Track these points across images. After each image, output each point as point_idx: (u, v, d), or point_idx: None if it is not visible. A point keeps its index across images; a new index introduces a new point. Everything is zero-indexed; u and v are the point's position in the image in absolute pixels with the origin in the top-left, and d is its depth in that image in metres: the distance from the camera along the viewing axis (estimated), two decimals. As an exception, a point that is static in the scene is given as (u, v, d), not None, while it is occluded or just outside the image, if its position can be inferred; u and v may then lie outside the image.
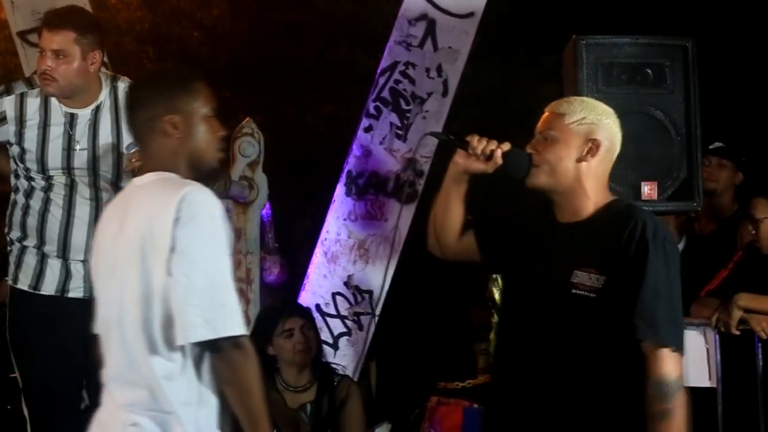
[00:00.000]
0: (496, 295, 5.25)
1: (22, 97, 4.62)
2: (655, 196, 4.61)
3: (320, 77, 11.87)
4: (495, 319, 5.27)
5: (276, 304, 5.52)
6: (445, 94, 6.15)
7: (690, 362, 4.99)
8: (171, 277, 2.96)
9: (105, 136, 4.64)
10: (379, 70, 6.23)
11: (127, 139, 4.59)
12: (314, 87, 11.80)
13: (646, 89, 4.72)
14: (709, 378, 5.10)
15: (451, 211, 3.66)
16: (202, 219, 3.00)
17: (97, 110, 4.64)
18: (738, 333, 5.05)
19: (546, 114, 3.54)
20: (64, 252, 4.60)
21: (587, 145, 3.43)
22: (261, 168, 5.96)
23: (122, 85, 4.69)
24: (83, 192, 4.62)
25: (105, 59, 6.14)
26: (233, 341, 2.98)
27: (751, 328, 5.05)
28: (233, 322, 2.98)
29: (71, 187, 4.61)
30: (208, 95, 3.22)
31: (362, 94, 6.42)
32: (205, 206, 3.02)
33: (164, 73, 3.47)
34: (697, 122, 4.72)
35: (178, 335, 2.98)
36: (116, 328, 3.10)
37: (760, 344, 5.10)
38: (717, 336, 5.11)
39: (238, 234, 5.98)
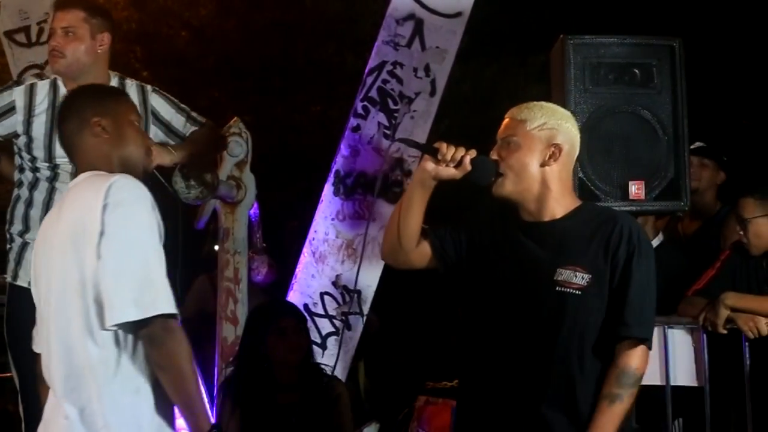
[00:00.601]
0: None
1: (31, 87, 4.72)
2: (642, 196, 4.62)
3: (308, 77, 11.85)
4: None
5: (270, 303, 5.52)
6: (432, 93, 6.14)
7: (678, 362, 5.02)
8: (100, 260, 3.02)
9: None
10: (366, 70, 6.22)
11: None
12: (302, 87, 11.78)
13: (634, 89, 4.74)
14: (697, 377, 5.11)
15: (413, 217, 3.63)
16: (130, 203, 3.09)
17: None
18: (725, 332, 5.06)
19: (506, 120, 3.58)
20: None
21: (549, 150, 3.50)
22: (249, 168, 5.94)
23: (129, 84, 4.81)
24: None
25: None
26: (163, 324, 3.01)
27: (739, 327, 5.05)
28: (163, 302, 3.02)
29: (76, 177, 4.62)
30: (134, 105, 3.48)
31: (350, 94, 6.41)
32: (133, 191, 3.12)
33: (89, 87, 3.67)
34: (684, 122, 4.73)
35: (107, 317, 3.01)
36: (54, 319, 3.15)
37: (747, 343, 5.10)
38: (704, 335, 5.12)
39: (225, 233, 5.96)
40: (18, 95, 4.68)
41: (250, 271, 6.41)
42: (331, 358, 5.96)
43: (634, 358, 3.41)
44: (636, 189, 4.63)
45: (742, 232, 5.26)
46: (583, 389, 3.42)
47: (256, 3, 12.21)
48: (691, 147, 5.75)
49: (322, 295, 6.11)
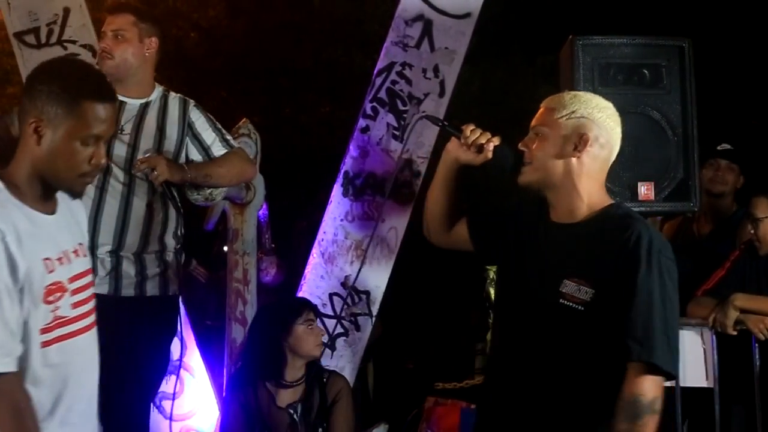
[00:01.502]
0: (492, 296, 5.25)
1: None
2: (652, 197, 4.61)
3: (317, 78, 11.86)
4: (492, 319, 5.25)
5: (291, 298, 5.52)
6: (441, 94, 6.13)
7: (687, 362, 5.00)
8: None
9: (148, 134, 4.73)
10: (375, 71, 6.22)
11: (167, 146, 4.74)
12: (311, 88, 11.79)
13: (643, 89, 4.73)
14: (706, 378, 5.10)
15: (444, 198, 3.61)
16: None
17: (146, 106, 4.77)
18: (735, 333, 5.05)
19: (540, 109, 3.43)
20: (90, 242, 4.62)
21: (575, 140, 3.30)
22: (258, 168, 5.95)
23: (172, 96, 4.86)
24: (115, 185, 4.65)
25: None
26: None
27: (748, 328, 5.05)
28: None
29: (104, 178, 4.64)
30: (98, 120, 2.99)
31: (359, 95, 6.41)
32: None
33: (64, 74, 3.06)
34: (693, 122, 4.73)
35: None
36: None
37: (757, 344, 5.10)
38: (714, 336, 5.12)
39: (234, 234, 5.97)
40: None
41: (258, 272, 6.41)
42: (340, 360, 5.97)
43: (639, 385, 3.08)
44: (645, 190, 4.62)
45: (753, 231, 5.25)
46: (590, 414, 3.18)
47: (264, 4, 12.22)
48: (718, 149, 5.76)
49: (330, 296, 6.11)
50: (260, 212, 6.27)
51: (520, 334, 3.33)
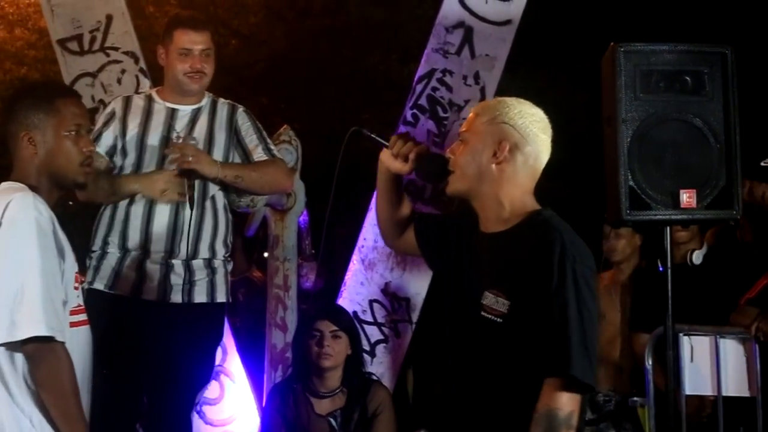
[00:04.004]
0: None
1: (128, 99, 4.91)
2: (694, 205, 4.58)
3: (356, 84, 11.88)
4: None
5: (315, 307, 5.53)
6: (482, 101, 6.13)
7: (730, 372, 4.98)
8: None
9: (198, 139, 4.78)
10: (416, 78, 6.23)
11: (215, 152, 4.75)
12: (350, 94, 11.82)
13: (685, 96, 4.69)
14: (749, 387, 5.07)
15: (386, 206, 3.60)
16: (21, 223, 3.17)
17: (198, 112, 4.83)
18: (778, 342, 5.02)
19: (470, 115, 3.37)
20: (143, 250, 4.65)
21: (495, 147, 3.20)
22: (299, 175, 5.97)
23: (221, 102, 4.94)
24: None
25: (144, 67, 6.23)
26: (39, 344, 3.11)
27: (792, 338, 5.01)
28: (36, 323, 3.10)
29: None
30: (74, 113, 3.42)
31: (398, 101, 6.42)
32: (26, 211, 3.19)
33: (30, 89, 3.64)
34: (736, 130, 4.69)
35: None
36: None
37: (800, 354, 5.07)
38: (757, 345, 5.08)
39: (275, 241, 6.00)
40: (117, 104, 4.87)
41: (299, 278, 6.43)
42: (380, 366, 5.97)
43: (555, 399, 2.99)
44: (687, 197, 4.58)
45: None
46: (514, 427, 3.07)
47: (303, 10, 12.25)
48: (762, 164, 5.71)
49: (371, 302, 6.12)
50: (301, 218, 6.28)
51: (452, 347, 3.31)
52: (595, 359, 3.07)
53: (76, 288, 3.36)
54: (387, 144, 3.49)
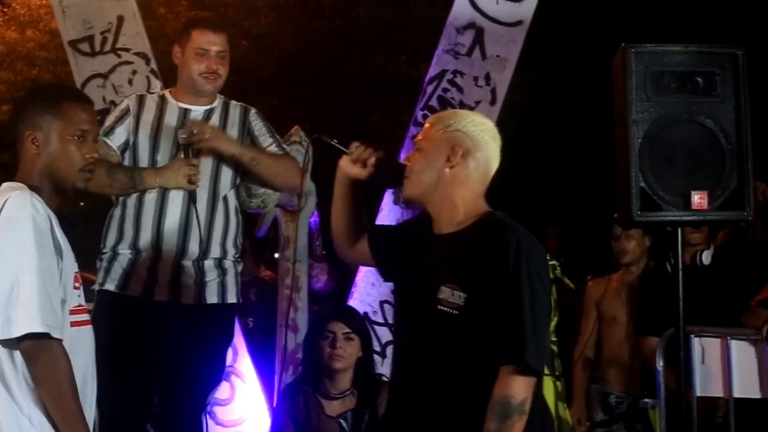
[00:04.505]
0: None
1: (141, 97, 4.92)
2: (705, 206, 4.57)
3: (366, 85, 11.89)
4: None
5: (326, 308, 5.52)
6: (493, 102, 6.14)
7: (740, 373, 4.97)
8: None
9: None
10: (427, 79, 6.23)
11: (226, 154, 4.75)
12: (360, 95, 11.83)
13: (696, 97, 4.68)
14: (761, 389, 5.06)
15: (342, 213, 3.71)
16: (17, 221, 3.18)
17: (210, 112, 4.83)
18: (790, 344, 5.01)
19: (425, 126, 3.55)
20: (154, 251, 4.66)
21: (449, 152, 3.38)
22: (309, 176, 5.98)
23: (233, 104, 4.95)
24: (177, 192, 4.70)
25: (155, 68, 6.24)
26: (35, 341, 3.12)
27: (803, 339, 5.00)
28: (31, 320, 3.10)
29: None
30: (81, 118, 3.41)
31: (406, 102, 6.42)
32: (23, 209, 3.20)
33: (41, 91, 3.70)
34: (747, 131, 4.68)
35: None
36: None
37: (812, 355, 5.05)
38: (768, 347, 5.07)
39: (286, 242, 6.00)
40: (131, 102, 4.87)
41: (309, 279, 6.44)
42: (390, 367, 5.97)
43: (509, 386, 3.15)
44: (698, 199, 4.58)
45: None
46: (472, 417, 3.20)
47: (312, 11, 12.27)
48: None
49: (381, 303, 6.12)
50: (311, 219, 6.29)
51: (410, 345, 3.43)
52: (544, 348, 3.28)
53: (76, 288, 3.36)
54: (347, 151, 3.61)
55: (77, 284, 3.37)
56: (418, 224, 3.55)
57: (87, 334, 3.41)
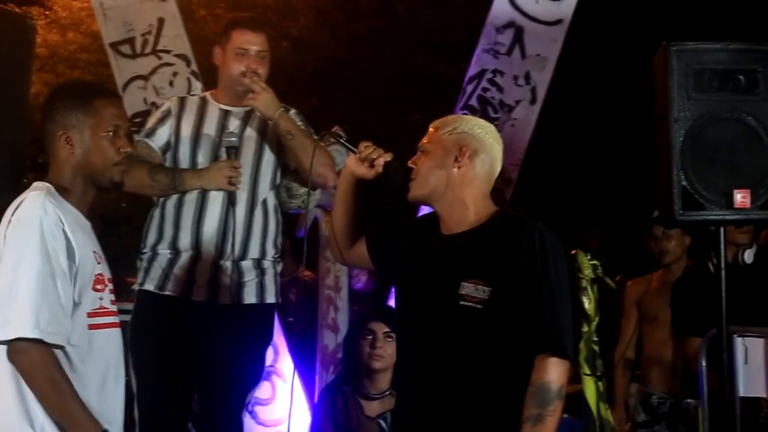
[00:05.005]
0: (585, 305, 5.20)
1: (182, 99, 4.94)
2: (748, 204, 4.54)
3: (404, 85, 11.89)
4: (584, 328, 5.21)
5: (368, 307, 5.52)
6: (533, 101, 6.12)
7: (749, 372, 4.92)
8: None
9: (250, 139, 4.80)
10: (466, 78, 6.22)
11: (267, 156, 4.79)
12: (400, 95, 11.82)
13: (738, 95, 4.65)
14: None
15: (344, 212, 3.75)
16: (24, 223, 3.18)
17: (250, 113, 4.81)
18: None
19: (428, 130, 3.59)
20: (193, 251, 4.69)
21: (456, 153, 3.45)
22: (347, 176, 5.97)
23: None
24: (216, 192, 4.71)
25: (196, 69, 6.27)
26: (20, 345, 3.09)
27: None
28: (23, 324, 3.09)
29: None
30: (112, 114, 3.41)
31: (445, 102, 6.42)
32: (32, 211, 3.20)
33: (69, 89, 3.61)
34: (790, 129, 4.64)
35: None
36: None
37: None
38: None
39: (326, 241, 6.01)
40: (172, 104, 4.89)
41: (350, 279, 6.44)
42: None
43: (548, 372, 3.25)
44: (741, 197, 4.54)
45: None
46: (498, 408, 3.31)
47: (352, 12, 12.29)
48: None
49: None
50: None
51: (424, 344, 3.44)
52: (570, 334, 3.35)
53: (98, 290, 3.33)
54: (355, 150, 3.66)
55: (100, 286, 3.35)
56: (418, 226, 3.65)
57: (108, 336, 3.37)
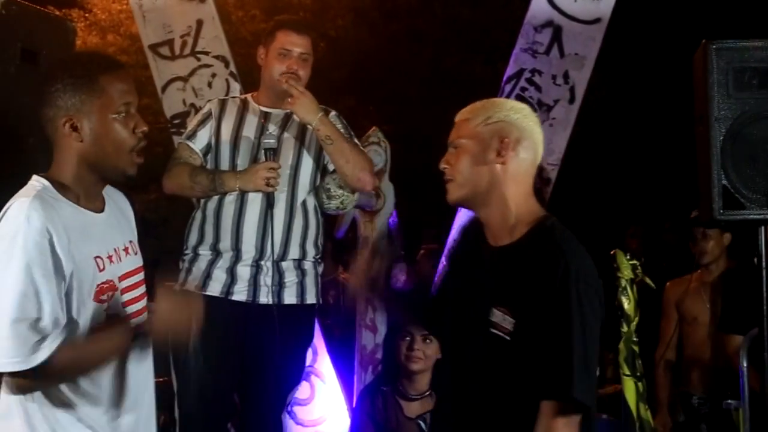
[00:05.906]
0: (625, 305, 5.19)
1: (223, 101, 4.95)
2: (789, 204, 4.50)
3: (443, 85, 11.89)
4: (624, 329, 5.19)
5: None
6: (572, 101, 6.10)
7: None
8: None
9: (290, 141, 4.81)
10: (505, 78, 6.21)
11: (306, 158, 4.80)
12: (437, 95, 11.82)
13: (779, 94, 4.62)
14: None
15: None
16: (4, 237, 2.79)
17: (290, 115, 4.81)
18: None
19: (454, 124, 3.22)
20: (234, 252, 4.71)
21: (498, 144, 3.07)
22: (387, 176, 5.98)
23: None
24: (256, 193, 4.71)
25: (234, 71, 6.29)
26: (10, 376, 2.84)
27: None
28: (2, 359, 2.77)
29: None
30: (121, 90, 2.96)
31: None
32: (14, 223, 2.80)
33: (69, 66, 3.03)
34: (831, 127, 4.60)
35: None
36: None
37: None
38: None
39: (365, 242, 6.01)
40: (213, 105, 4.91)
41: (389, 279, 6.43)
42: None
43: (553, 425, 2.89)
44: (782, 196, 4.51)
45: None
46: None
47: (389, 12, 12.30)
48: None
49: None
50: (390, 219, 6.30)
51: (457, 365, 3.16)
52: (594, 381, 2.98)
53: (102, 301, 2.98)
54: None
55: (104, 296, 3.00)
56: (464, 238, 3.35)
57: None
